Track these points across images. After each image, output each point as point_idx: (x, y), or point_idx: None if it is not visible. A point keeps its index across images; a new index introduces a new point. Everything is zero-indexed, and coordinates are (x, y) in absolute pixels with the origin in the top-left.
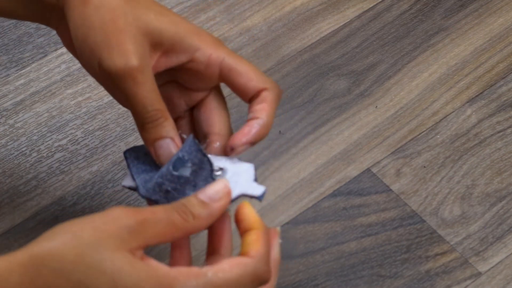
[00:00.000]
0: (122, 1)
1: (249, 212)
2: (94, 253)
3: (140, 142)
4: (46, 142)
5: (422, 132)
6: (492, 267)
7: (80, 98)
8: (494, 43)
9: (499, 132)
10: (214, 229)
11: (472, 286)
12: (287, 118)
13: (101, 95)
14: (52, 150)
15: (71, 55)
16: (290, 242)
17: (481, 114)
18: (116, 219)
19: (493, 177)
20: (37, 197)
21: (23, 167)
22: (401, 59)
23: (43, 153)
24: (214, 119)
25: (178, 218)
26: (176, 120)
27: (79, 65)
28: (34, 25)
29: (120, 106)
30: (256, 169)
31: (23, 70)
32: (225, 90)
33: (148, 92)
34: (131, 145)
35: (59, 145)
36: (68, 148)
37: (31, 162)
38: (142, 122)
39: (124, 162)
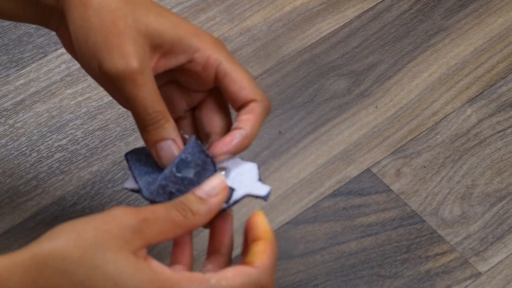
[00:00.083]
0: (122, 3)
1: (262, 222)
2: (97, 254)
3: (140, 142)
4: (46, 142)
5: (422, 132)
6: (492, 267)
7: (80, 98)
8: (494, 43)
9: (499, 132)
10: (215, 229)
11: (472, 286)
12: (287, 118)
13: (101, 95)
14: (52, 150)
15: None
16: (290, 242)
17: (481, 114)
18: (118, 219)
19: (493, 177)
20: (37, 197)
21: (23, 167)
22: (401, 59)
23: (43, 153)
24: (216, 119)
25: (177, 215)
26: (178, 120)
27: (79, 65)
28: (34, 25)
29: (120, 106)
30: (259, 168)
31: (23, 70)
32: None
33: (149, 94)
34: (131, 145)
35: (59, 145)
36: (68, 148)
37: (31, 162)
38: (143, 124)
39: (124, 162)
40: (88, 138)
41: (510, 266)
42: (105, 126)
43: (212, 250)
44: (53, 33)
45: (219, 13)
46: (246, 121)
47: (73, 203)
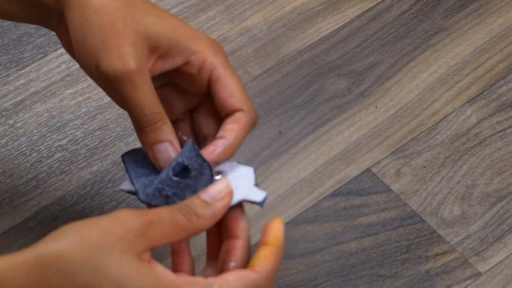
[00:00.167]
0: (121, 5)
1: (276, 228)
2: (101, 256)
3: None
4: (46, 142)
5: (422, 132)
6: (492, 267)
7: (80, 98)
8: (494, 43)
9: (499, 132)
10: (211, 233)
11: (472, 286)
12: (287, 118)
13: (101, 95)
14: (52, 150)
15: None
16: (290, 242)
17: (481, 114)
18: (123, 221)
19: (493, 177)
20: (37, 197)
21: (23, 167)
22: (401, 59)
23: (43, 153)
24: (213, 122)
25: (182, 218)
26: (176, 121)
27: (79, 65)
28: (34, 25)
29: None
30: (255, 172)
31: (23, 70)
32: None
33: (146, 96)
34: (131, 145)
35: (59, 145)
36: (68, 148)
37: (31, 162)
38: (140, 126)
39: None
40: (88, 138)
41: (510, 266)
42: (105, 126)
43: (211, 254)
44: (53, 33)
45: (219, 13)
46: (230, 131)
47: (73, 203)
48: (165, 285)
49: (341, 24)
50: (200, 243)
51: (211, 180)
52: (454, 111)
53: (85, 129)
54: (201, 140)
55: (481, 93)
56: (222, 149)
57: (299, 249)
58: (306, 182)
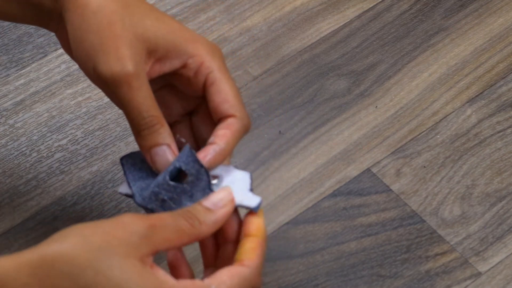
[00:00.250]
0: (120, 7)
1: (257, 219)
2: (104, 259)
3: None
4: (46, 142)
5: (422, 132)
6: (492, 267)
7: (80, 98)
8: (494, 43)
9: (499, 132)
10: (205, 243)
11: (472, 286)
12: (287, 118)
13: (101, 95)
14: (52, 150)
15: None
16: (290, 242)
17: (481, 114)
18: (127, 225)
19: (493, 177)
20: (37, 197)
21: (23, 167)
22: (401, 59)
23: (43, 153)
24: (213, 125)
25: (185, 223)
26: (174, 124)
27: None
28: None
29: None
30: (252, 177)
31: (23, 70)
32: None
33: (144, 98)
34: (131, 145)
35: (59, 145)
36: (68, 148)
37: (31, 162)
38: (138, 129)
39: None
40: (88, 138)
41: (510, 266)
42: (105, 126)
43: (207, 264)
44: (53, 33)
45: (219, 13)
46: (222, 137)
47: (73, 203)
48: None
49: (341, 24)
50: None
51: (208, 186)
52: (454, 111)
53: (85, 129)
54: (200, 143)
55: (481, 93)
56: (212, 156)
57: (299, 249)
58: (306, 182)
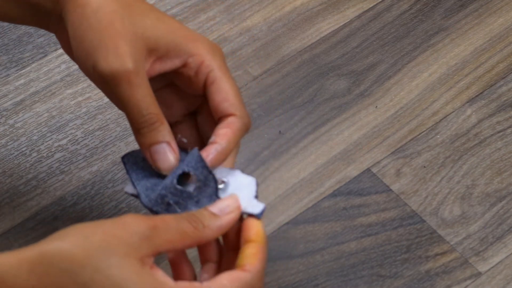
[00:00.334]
0: (120, 6)
1: (256, 224)
2: (103, 258)
3: None
4: (46, 142)
5: (422, 132)
6: (492, 267)
7: (80, 98)
8: (494, 43)
9: (499, 132)
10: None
11: (472, 286)
12: (287, 118)
13: (101, 95)
14: (52, 150)
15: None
16: (290, 242)
17: (481, 114)
18: (128, 225)
19: (493, 177)
20: (37, 197)
21: (23, 167)
22: (401, 59)
23: (43, 153)
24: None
25: (188, 226)
26: (175, 124)
27: None
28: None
29: None
30: (258, 184)
31: (23, 70)
32: None
33: (143, 96)
34: (131, 145)
35: (59, 145)
36: (68, 148)
37: (31, 162)
38: (138, 127)
39: None
40: (88, 138)
41: (510, 266)
42: (105, 126)
43: (204, 260)
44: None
45: (219, 13)
46: (223, 136)
47: (73, 203)
48: None
49: (341, 24)
50: None
51: (215, 193)
52: (454, 111)
53: (85, 129)
54: (206, 143)
55: (481, 93)
56: (214, 155)
57: (299, 249)
58: (306, 182)
